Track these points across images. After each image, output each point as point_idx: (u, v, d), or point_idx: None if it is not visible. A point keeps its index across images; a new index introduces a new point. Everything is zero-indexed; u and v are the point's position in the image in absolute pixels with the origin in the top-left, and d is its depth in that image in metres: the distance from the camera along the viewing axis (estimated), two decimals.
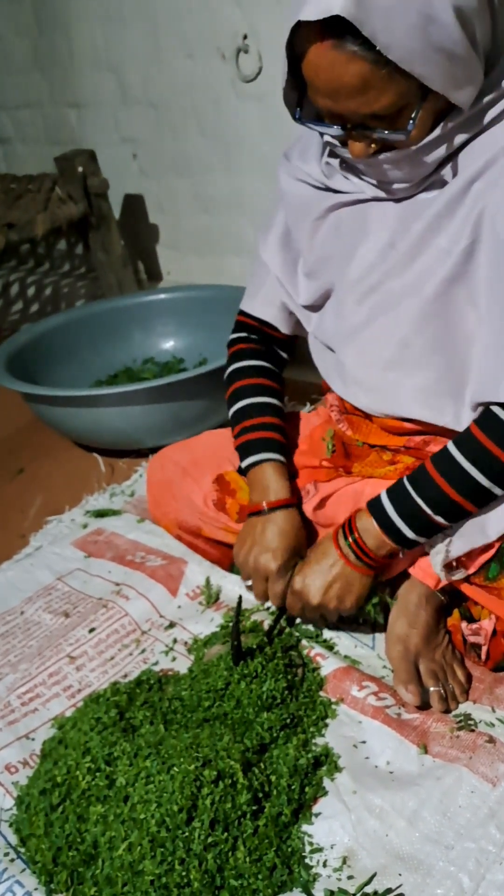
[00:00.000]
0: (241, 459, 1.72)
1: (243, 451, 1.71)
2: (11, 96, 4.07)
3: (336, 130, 1.34)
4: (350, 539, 1.50)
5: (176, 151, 3.41)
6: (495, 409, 1.37)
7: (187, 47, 3.12)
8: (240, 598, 1.67)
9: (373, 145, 1.33)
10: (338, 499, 1.68)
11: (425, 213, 1.41)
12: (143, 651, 1.75)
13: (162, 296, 3.19)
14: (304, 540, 1.67)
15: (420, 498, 1.43)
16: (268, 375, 1.78)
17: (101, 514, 2.29)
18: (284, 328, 1.76)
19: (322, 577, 1.55)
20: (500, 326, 1.36)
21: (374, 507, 1.48)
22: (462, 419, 1.46)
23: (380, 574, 1.57)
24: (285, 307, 1.73)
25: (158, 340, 3.16)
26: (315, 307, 1.66)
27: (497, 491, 1.39)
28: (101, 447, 2.64)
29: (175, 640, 1.75)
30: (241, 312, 1.82)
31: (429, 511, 1.42)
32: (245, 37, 2.86)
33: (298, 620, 1.73)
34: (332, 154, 1.49)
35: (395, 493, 1.46)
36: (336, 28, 1.18)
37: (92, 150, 3.41)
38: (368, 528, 1.49)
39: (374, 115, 1.28)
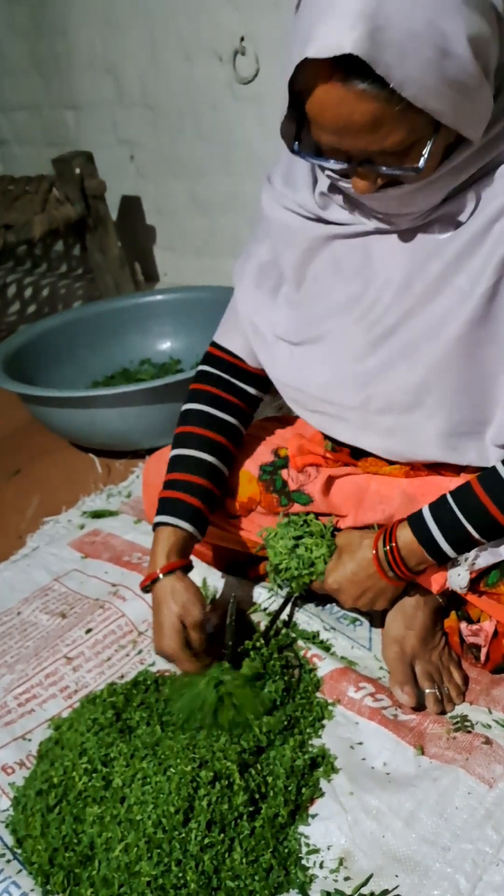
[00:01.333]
0: (156, 514, 1.63)
1: (159, 505, 1.63)
2: (9, 98, 4.07)
3: (339, 165, 1.26)
4: (388, 547, 1.48)
5: (173, 153, 3.41)
6: None
7: (185, 49, 3.12)
8: (234, 597, 1.67)
9: (379, 180, 1.25)
10: (343, 487, 1.66)
11: (444, 252, 1.34)
12: (140, 652, 1.75)
13: (159, 297, 3.19)
14: (187, 602, 1.55)
15: (463, 515, 1.40)
16: (219, 428, 1.67)
17: (97, 514, 2.29)
18: (254, 362, 1.68)
19: (357, 586, 1.54)
20: None
21: (415, 521, 1.46)
22: (488, 457, 1.45)
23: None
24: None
25: (155, 341, 3.16)
26: (291, 342, 1.57)
27: None
28: (98, 448, 2.64)
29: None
30: (213, 344, 1.73)
31: (470, 529, 1.40)
32: (242, 39, 2.86)
33: (296, 622, 1.73)
34: (332, 187, 1.40)
35: (438, 508, 1.44)
36: (345, 65, 1.11)
37: (89, 151, 3.42)
38: (408, 540, 1.46)
39: (382, 151, 1.21)
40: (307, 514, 1.66)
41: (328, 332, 1.51)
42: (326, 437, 1.69)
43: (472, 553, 1.46)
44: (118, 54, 3.43)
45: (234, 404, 1.70)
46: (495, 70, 1.24)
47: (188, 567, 1.60)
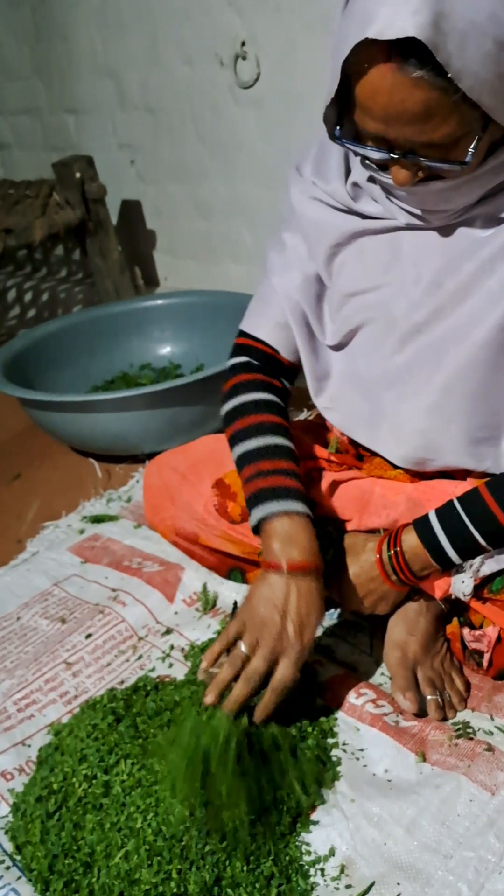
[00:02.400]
0: (253, 509, 1.46)
1: (255, 499, 1.46)
2: (10, 102, 4.08)
3: (380, 154, 1.23)
4: (392, 552, 1.46)
5: (174, 157, 3.41)
6: None
7: (186, 53, 3.12)
8: (235, 603, 1.66)
9: (419, 173, 1.23)
10: (347, 491, 1.65)
11: (479, 253, 1.33)
12: (140, 657, 1.74)
13: (159, 301, 3.19)
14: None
15: (471, 522, 1.39)
16: (277, 412, 1.57)
17: (97, 519, 2.28)
18: (289, 354, 1.61)
19: (360, 589, 1.53)
20: None
21: (421, 525, 1.44)
22: (502, 464, 1.44)
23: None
24: (290, 332, 1.58)
25: (155, 346, 3.16)
26: (339, 346, 1.54)
27: None
28: (98, 453, 2.64)
29: (172, 647, 1.75)
30: (242, 334, 1.64)
31: (477, 536, 1.39)
32: (243, 43, 2.86)
33: None
34: (370, 179, 1.38)
35: (445, 514, 1.42)
36: (404, 49, 1.08)
37: (90, 155, 3.42)
38: (413, 545, 1.44)
39: (429, 143, 1.18)
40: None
41: (356, 329, 1.50)
42: (329, 440, 1.69)
43: (478, 560, 1.45)
44: (119, 58, 3.43)
45: (277, 387, 1.63)
46: None
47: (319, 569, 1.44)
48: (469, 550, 1.41)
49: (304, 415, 2.65)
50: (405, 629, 1.57)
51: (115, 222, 3.69)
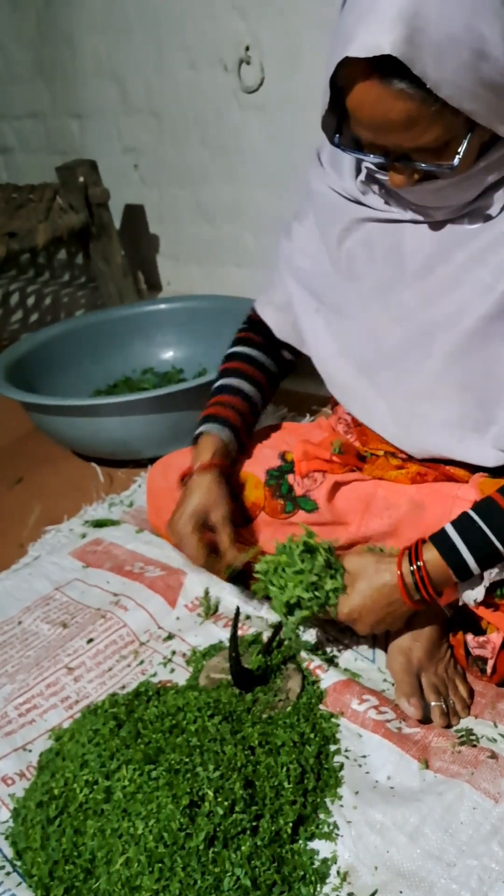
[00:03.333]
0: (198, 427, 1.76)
1: (199, 421, 1.77)
2: (14, 106, 4.07)
3: (376, 159, 1.31)
4: (414, 567, 1.44)
5: (177, 162, 3.41)
6: None
7: (190, 58, 3.12)
8: (237, 609, 1.66)
9: (415, 175, 1.31)
10: (349, 494, 1.65)
11: (470, 243, 1.38)
12: (142, 662, 1.73)
13: (162, 306, 3.18)
14: (218, 497, 1.68)
15: (491, 531, 1.38)
16: (259, 367, 1.79)
17: (99, 524, 2.28)
18: (282, 335, 1.77)
19: (375, 614, 1.50)
20: None
21: (440, 540, 1.43)
22: (486, 457, 1.44)
23: None
24: (292, 319, 1.72)
25: (158, 350, 3.15)
26: (336, 323, 1.63)
27: None
28: (100, 457, 2.63)
29: (174, 652, 1.74)
30: (253, 309, 1.85)
31: (499, 545, 1.38)
32: (248, 48, 2.86)
33: (299, 632, 1.72)
34: (371, 178, 1.46)
35: (462, 525, 1.41)
36: (384, 65, 1.15)
37: (93, 159, 3.41)
38: (434, 559, 1.42)
39: (418, 148, 1.26)
40: (306, 534, 1.58)
41: (356, 310, 1.55)
42: (332, 443, 1.69)
43: (495, 570, 1.44)
44: (123, 62, 3.42)
45: (274, 354, 1.81)
46: None
47: (226, 470, 1.67)
48: (489, 561, 1.41)
49: (307, 419, 2.65)
50: (409, 635, 1.57)
51: (119, 226, 3.69)
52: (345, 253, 1.56)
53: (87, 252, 3.60)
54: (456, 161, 1.25)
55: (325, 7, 2.51)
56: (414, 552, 1.44)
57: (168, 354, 3.15)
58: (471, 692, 1.58)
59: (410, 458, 1.60)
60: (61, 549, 2.16)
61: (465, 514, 1.41)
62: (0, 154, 4.31)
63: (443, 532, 1.43)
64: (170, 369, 3.10)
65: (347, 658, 1.68)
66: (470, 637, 1.60)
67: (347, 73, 1.20)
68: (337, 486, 1.66)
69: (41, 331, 3.05)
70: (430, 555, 1.42)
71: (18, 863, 1.34)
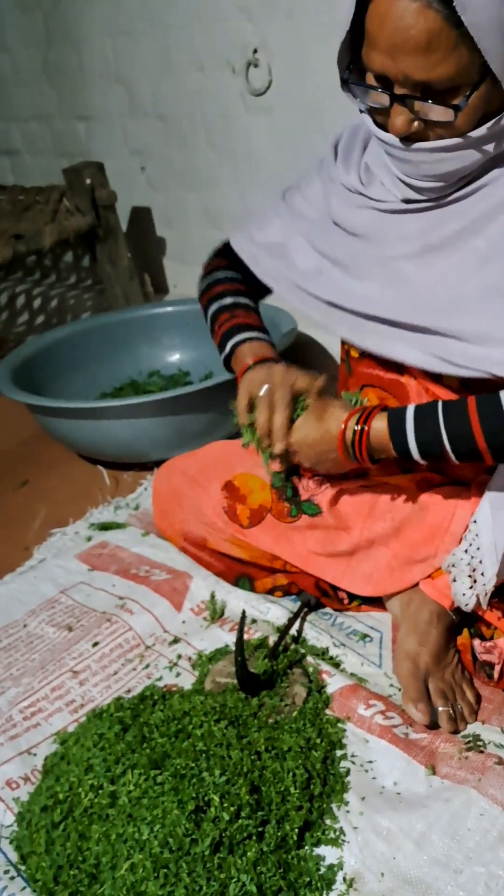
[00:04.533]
0: (226, 341, 1.71)
1: (226, 335, 1.71)
2: (21, 108, 4.08)
3: (381, 96, 1.30)
4: (357, 428, 1.46)
5: (184, 164, 3.41)
6: None
7: (197, 60, 3.12)
8: (243, 613, 1.65)
9: (416, 123, 1.30)
10: (353, 499, 1.65)
11: (465, 214, 1.38)
12: (147, 666, 1.73)
13: (168, 308, 3.19)
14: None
15: (445, 429, 1.37)
16: (248, 287, 1.77)
17: (105, 527, 2.27)
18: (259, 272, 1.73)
19: (318, 454, 1.53)
20: None
21: (395, 415, 1.44)
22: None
23: None
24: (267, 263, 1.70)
25: (164, 353, 3.15)
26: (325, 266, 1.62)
27: None
28: (106, 460, 2.63)
29: (179, 656, 1.74)
30: (226, 243, 1.83)
31: (445, 439, 1.38)
32: (255, 51, 2.85)
33: (305, 638, 1.71)
34: (369, 170, 1.48)
35: (422, 411, 1.41)
36: None
37: (100, 162, 3.42)
38: (380, 429, 1.44)
39: (428, 85, 1.25)
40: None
41: (355, 271, 1.54)
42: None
43: (489, 574, 1.43)
44: (130, 65, 3.43)
45: (251, 277, 1.76)
46: None
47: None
48: (432, 451, 1.41)
49: None
50: (416, 640, 1.56)
51: (125, 229, 3.69)
52: (346, 223, 1.56)
53: (93, 254, 3.60)
54: (462, 104, 1.25)
55: (332, 9, 2.51)
56: (365, 415, 1.46)
57: (174, 357, 3.15)
58: (478, 697, 1.57)
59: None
60: (67, 553, 2.16)
61: (431, 403, 1.41)
62: (7, 156, 4.32)
63: (402, 410, 1.43)
64: (176, 372, 3.10)
65: (354, 663, 1.67)
66: (477, 642, 1.59)
67: None
68: (342, 491, 1.65)
69: (47, 333, 3.06)
70: (379, 424, 1.44)
71: (23, 867, 1.34)
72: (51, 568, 2.09)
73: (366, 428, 1.44)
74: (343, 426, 1.48)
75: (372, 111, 1.37)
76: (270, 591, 1.87)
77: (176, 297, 3.69)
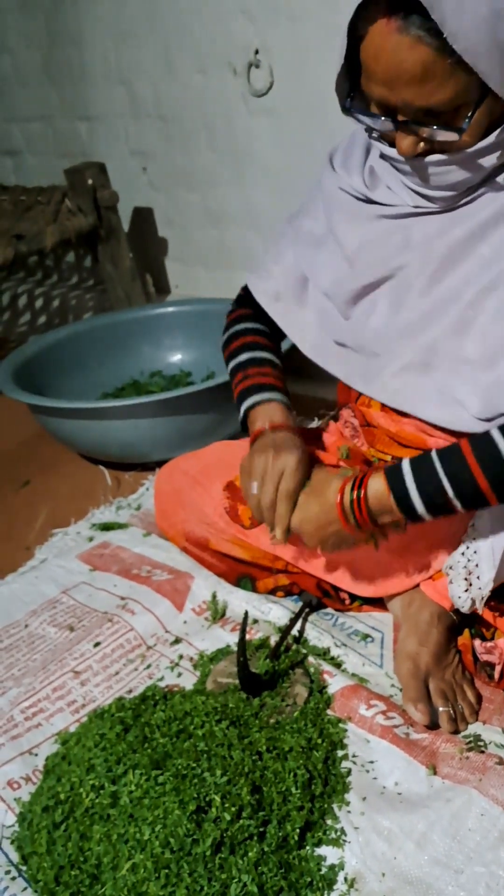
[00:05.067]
0: (241, 402, 1.66)
1: (243, 394, 1.66)
2: (23, 109, 4.08)
3: (385, 123, 1.30)
4: (355, 494, 1.42)
5: (186, 165, 3.41)
6: None
7: (199, 61, 3.12)
8: (245, 613, 1.65)
9: (422, 144, 1.29)
10: None
11: (468, 221, 1.37)
12: (149, 666, 1.73)
13: (170, 309, 3.18)
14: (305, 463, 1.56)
15: (445, 473, 1.34)
16: (269, 338, 1.74)
17: (106, 527, 2.27)
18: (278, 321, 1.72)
19: (319, 530, 1.49)
20: None
21: (392, 471, 1.39)
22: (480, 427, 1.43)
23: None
24: (285, 305, 1.69)
25: (166, 354, 3.15)
26: (336, 300, 1.60)
27: None
28: (108, 460, 2.63)
29: (181, 656, 1.74)
30: (246, 288, 1.78)
31: (449, 488, 1.34)
32: (257, 52, 2.85)
33: (306, 638, 1.71)
34: (382, 157, 1.45)
35: (419, 463, 1.38)
36: (403, 9, 1.16)
37: (102, 162, 3.41)
38: (379, 488, 1.39)
39: (430, 110, 1.24)
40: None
41: (366, 295, 1.53)
42: (340, 448, 1.68)
43: (485, 576, 1.43)
44: (132, 65, 3.43)
45: (271, 327, 1.75)
46: None
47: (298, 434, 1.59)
48: (437, 504, 1.37)
49: (314, 423, 2.64)
50: (417, 640, 1.56)
51: (127, 229, 3.69)
52: (358, 245, 1.53)
53: (95, 255, 3.60)
54: (465, 125, 1.24)
55: (334, 11, 2.50)
56: (359, 480, 1.43)
57: (176, 357, 3.14)
58: (479, 697, 1.57)
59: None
60: (68, 553, 2.16)
61: (426, 452, 1.39)
62: (8, 156, 4.32)
63: (398, 465, 1.40)
64: (178, 372, 3.09)
65: (355, 663, 1.68)
66: (478, 643, 1.59)
67: (366, 19, 1.20)
68: None
69: (49, 333, 3.05)
70: (377, 484, 1.40)
71: (24, 867, 1.34)
72: (52, 568, 2.10)
73: (363, 493, 1.41)
74: (339, 495, 1.44)
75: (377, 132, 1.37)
76: (272, 592, 1.87)
77: (177, 298, 3.69)
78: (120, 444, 2.50)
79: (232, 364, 1.71)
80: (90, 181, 3.33)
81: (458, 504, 1.35)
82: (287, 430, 1.57)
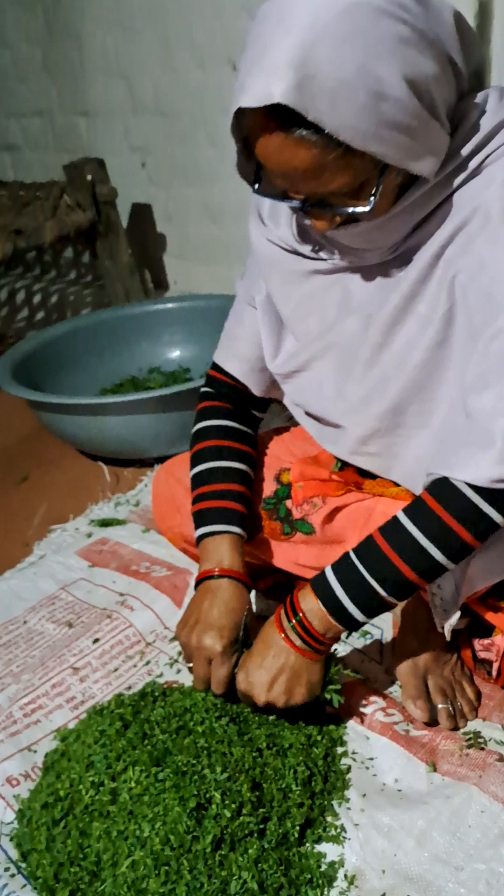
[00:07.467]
0: (196, 528, 1.57)
1: (198, 518, 1.57)
2: (21, 104, 4.08)
3: (296, 205, 1.25)
4: (294, 620, 1.36)
5: (185, 161, 3.41)
6: (455, 481, 1.26)
7: (198, 57, 3.12)
8: (247, 610, 1.65)
9: (336, 218, 1.25)
10: (348, 514, 1.64)
11: (402, 282, 1.33)
12: (148, 663, 1.73)
13: (169, 305, 3.18)
14: (238, 621, 1.49)
15: (367, 571, 1.31)
16: (236, 437, 1.64)
17: (105, 523, 2.27)
18: (258, 390, 1.64)
19: (266, 672, 1.38)
20: (458, 403, 1.30)
21: (319, 584, 1.35)
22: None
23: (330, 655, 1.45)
24: (259, 366, 1.62)
25: (165, 350, 3.15)
26: (290, 374, 1.54)
27: (450, 567, 1.29)
28: (106, 456, 2.63)
29: (180, 653, 1.73)
30: (214, 366, 1.69)
31: (376, 586, 1.30)
32: None
33: None
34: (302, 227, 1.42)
35: (341, 568, 1.34)
36: (281, 113, 1.10)
37: (101, 158, 3.41)
38: (313, 608, 1.34)
39: (333, 192, 1.20)
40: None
41: (313, 366, 1.49)
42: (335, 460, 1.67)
43: (446, 591, 1.41)
44: (131, 61, 3.42)
45: (243, 414, 1.68)
46: (451, 106, 1.23)
47: (248, 587, 1.53)
48: (372, 606, 1.32)
49: None
50: (415, 638, 1.56)
51: (126, 225, 3.69)
52: (294, 308, 1.49)
53: (93, 250, 3.60)
54: (371, 203, 1.20)
55: None
56: (290, 605, 1.38)
57: (174, 353, 3.14)
58: (478, 694, 1.57)
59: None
60: (67, 549, 2.16)
61: (345, 555, 1.35)
62: (7, 151, 4.31)
63: (322, 575, 1.35)
64: (176, 368, 3.09)
65: (355, 660, 1.68)
66: (476, 640, 1.59)
67: (248, 124, 1.17)
68: (336, 511, 1.64)
69: (47, 329, 3.05)
70: (309, 602, 1.35)
71: (23, 865, 1.34)
72: (51, 564, 2.09)
73: (301, 615, 1.35)
74: (277, 623, 1.39)
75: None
76: (271, 589, 1.87)
77: (176, 294, 3.69)
78: (119, 441, 2.50)
79: (193, 471, 1.63)
80: (89, 176, 3.33)
81: (386, 595, 1.31)
82: (233, 576, 1.50)
